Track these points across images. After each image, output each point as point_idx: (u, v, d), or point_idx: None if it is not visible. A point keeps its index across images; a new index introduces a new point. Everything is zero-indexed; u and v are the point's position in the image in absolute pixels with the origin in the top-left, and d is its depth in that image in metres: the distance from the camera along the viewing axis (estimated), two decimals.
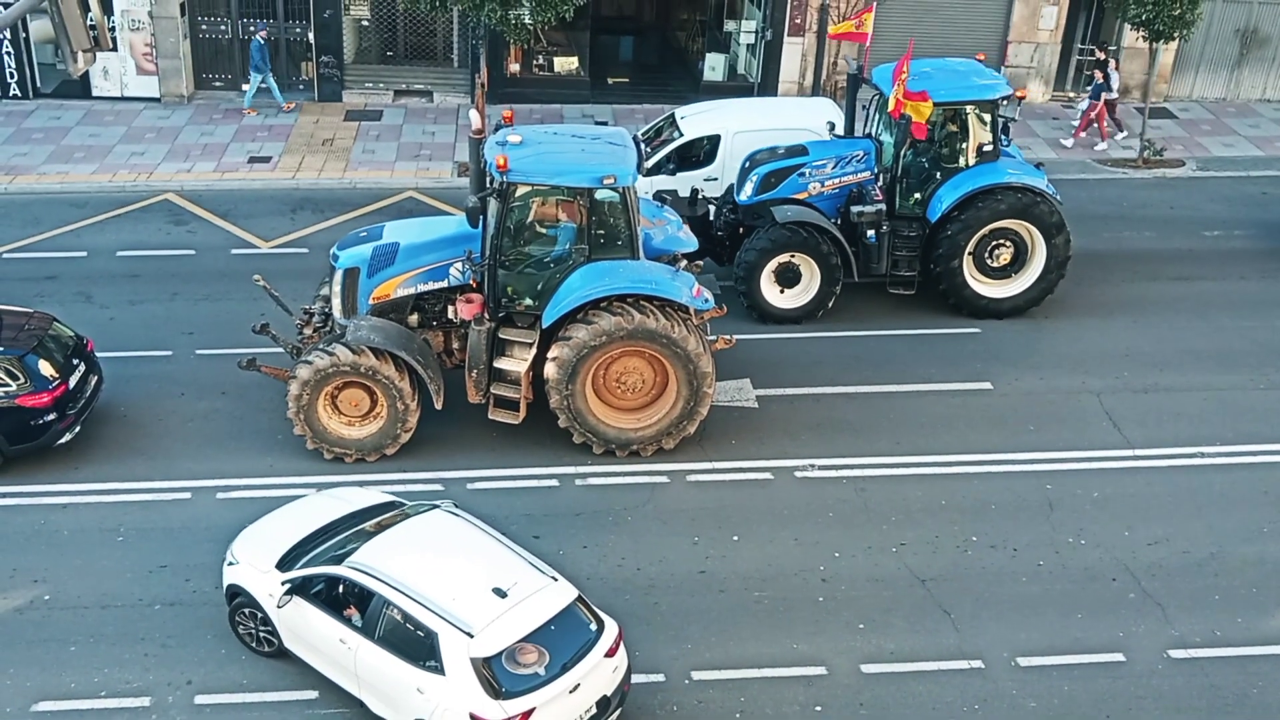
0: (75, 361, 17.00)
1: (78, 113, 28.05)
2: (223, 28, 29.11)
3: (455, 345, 17.57)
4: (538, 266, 16.81)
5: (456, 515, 13.78)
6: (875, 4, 23.40)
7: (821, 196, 20.55)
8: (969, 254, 20.47)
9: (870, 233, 20.29)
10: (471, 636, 11.98)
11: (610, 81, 30.85)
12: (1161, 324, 21.08)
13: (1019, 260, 20.70)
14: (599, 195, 16.39)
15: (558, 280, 16.61)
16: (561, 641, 12.27)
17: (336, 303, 17.28)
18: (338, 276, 17.33)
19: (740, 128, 22.57)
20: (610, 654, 12.56)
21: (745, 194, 20.68)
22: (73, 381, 16.76)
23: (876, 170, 20.61)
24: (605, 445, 17.18)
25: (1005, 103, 20.34)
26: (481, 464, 17.15)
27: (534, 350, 16.86)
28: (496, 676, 11.86)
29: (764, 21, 29.56)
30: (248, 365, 17.13)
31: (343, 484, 15.88)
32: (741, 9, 31.01)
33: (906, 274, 20.72)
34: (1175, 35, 25.52)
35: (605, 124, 27.65)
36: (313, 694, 13.43)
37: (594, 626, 12.66)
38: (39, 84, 28.67)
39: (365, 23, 29.82)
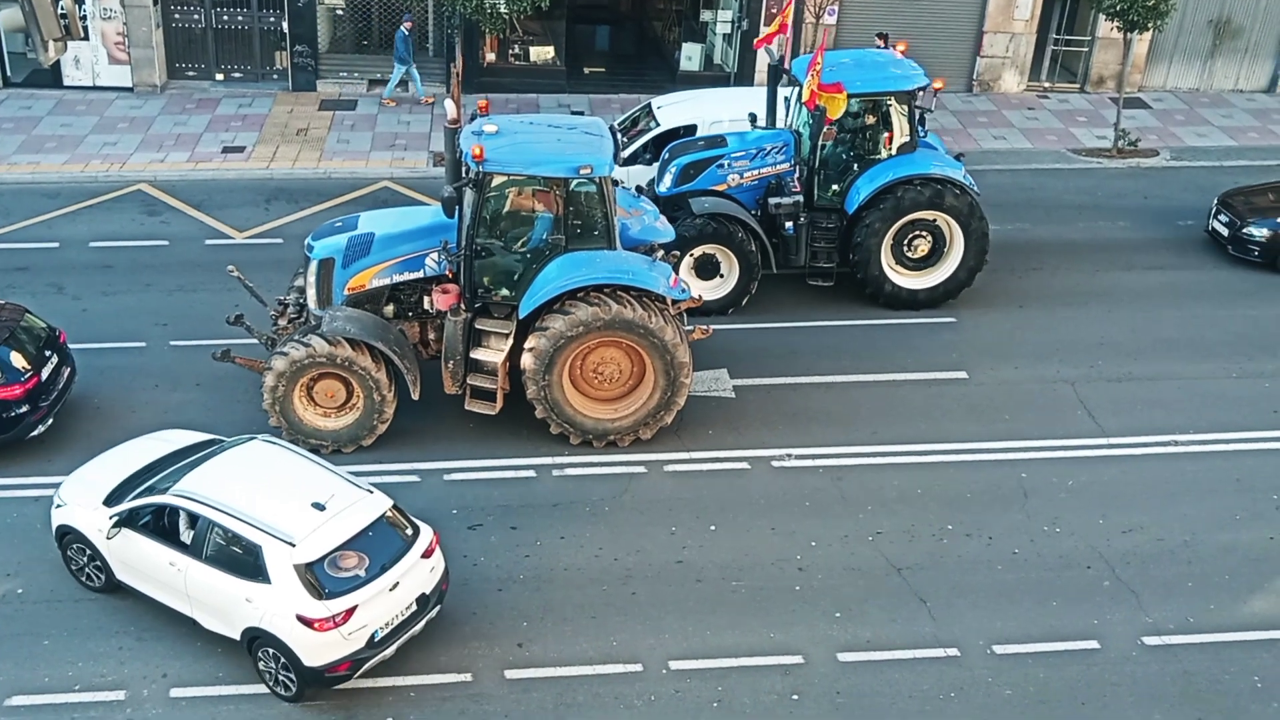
0: (47, 353, 16.87)
1: (49, 102, 27.81)
2: (196, 16, 28.89)
3: (431, 336, 17.52)
4: (514, 257, 16.77)
5: (275, 443, 14.55)
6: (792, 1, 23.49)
7: (740, 188, 20.51)
8: (887, 245, 20.46)
9: (788, 224, 20.26)
10: (293, 546, 12.89)
11: (586, 71, 30.79)
12: (1135, 313, 21.20)
13: (937, 251, 20.71)
14: (575, 185, 16.35)
15: (534, 270, 16.57)
16: (379, 546, 13.28)
17: (311, 294, 17.20)
18: (313, 267, 17.24)
19: (717, 117, 22.55)
20: (427, 555, 13.61)
21: (665, 186, 20.65)
22: (45, 373, 16.63)
23: (795, 162, 20.56)
24: (583, 436, 17.17)
25: (922, 94, 20.32)
26: (458, 455, 17.11)
27: (511, 341, 16.83)
28: (319, 580, 12.83)
29: (740, 11, 29.54)
30: (222, 357, 17.03)
31: None
32: None
33: (825, 265, 20.73)
34: (1149, 26, 25.64)
35: (581, 114, 27.58)
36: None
37: (410, 531, 13.67)
38: (9, 73, 28.43)
39: (340, 12, 29.66)
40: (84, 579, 14.51)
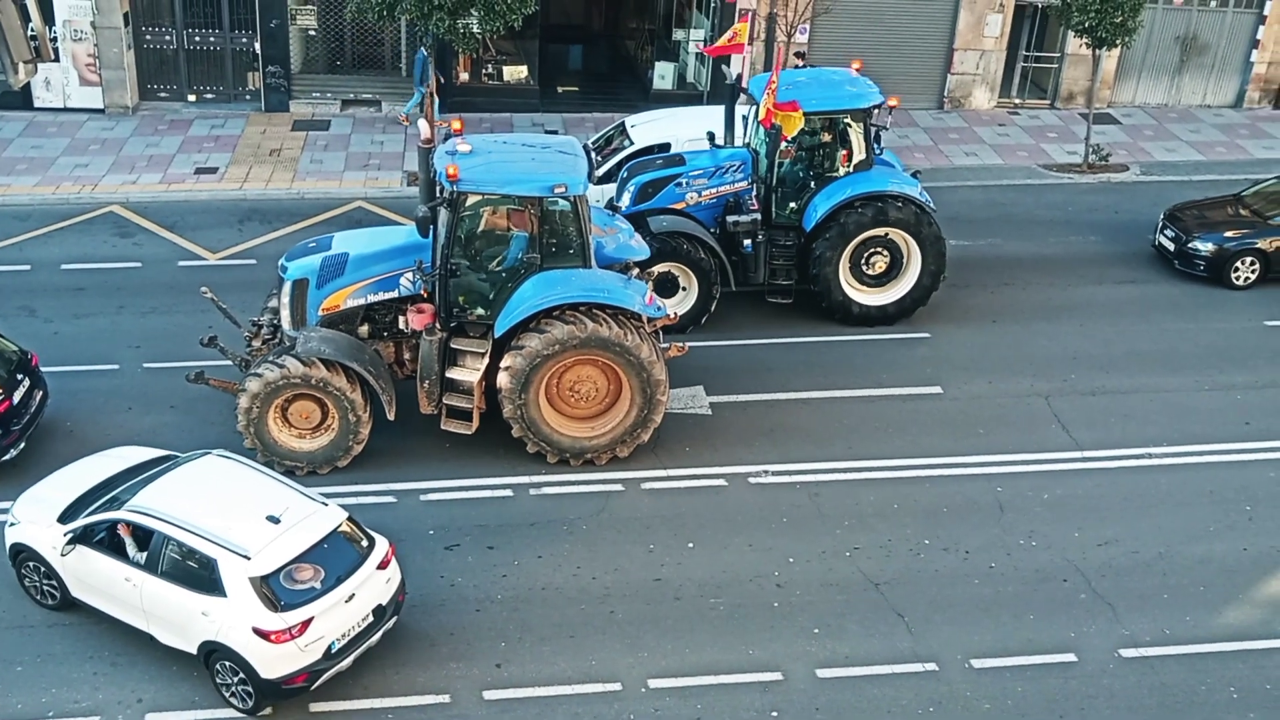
0: (19, 376, 16.75)
1: (19, 124, 27.66)
2: (167, 38, 28.80)
3: (407, 356, 17.47)
4: (489, 276, 16.76)
5: (229, 458, 14.54)
6: (750, 16, 23.57)
7: (699, 206, 20.55)
8: (845, 262, 20.54)
9: (747, 242, 20.31)
10: (248, 559, 12.95)
11: (560, 90, 30.85)
12: (1107, 327, 21.35)
13: (895, 268, 20.80)
14: (550, 204, 16.36)
15: (510, 289, 16.57)
16: (335, 558, 13.36)
17: (285, 314, 17.13)
18: (286, 288, 17.19)
19: (690, 135, 22.62)
20: (383, 566, 13.69)
21: (623, 204, 20.68)
22: (16, 397, 16.51)
23: (753, 180, 20.64)
24: (559, 454, 17.14)
25: (877, 111, 20.45)
26: (435, 475, 17.06)
27: (486, 360, 16.80)
28: (275, 592, 12.90)
29: (712, 30, 29.66)
30: (196, 379, 16.95)
31: None
32: (690, 18, 31.11)
33: (784, 283, 20.79)
34: (1117, 42, 25.89)
35: (555, 132, 27.63)
36: (266, 710, 13.30)
37: (365, 543, 13.75)
38: None
39: (312, 32, 29.62)
40: (38, 597, 14.51)
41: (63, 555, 13.87)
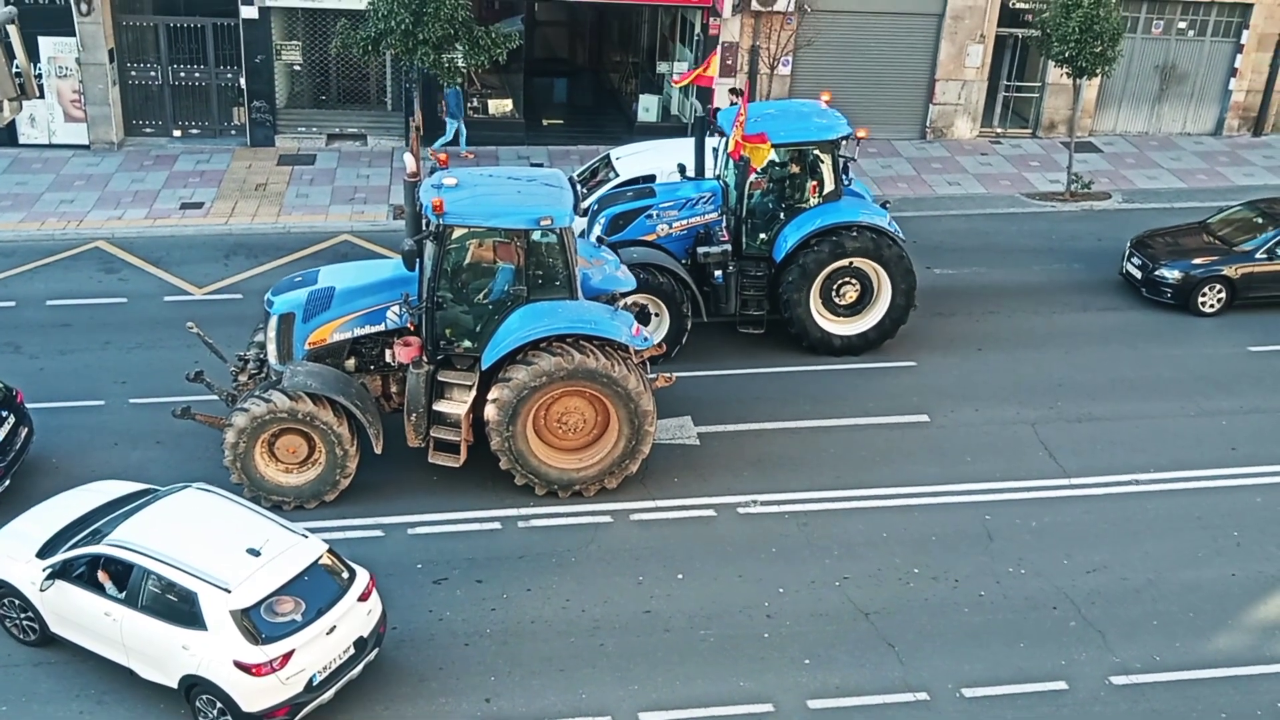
0: (4, 413, 16.68)
1: (4, 160, 27.64)
2: (153, 74, 28.87)
3: (394, 389, 17.44)
4: (476, 308, 16.76)
5: (208, 491, 14.53)
6: (719, 50, 23.85)
7: (670, 238, 20.61)
8: (816, 292, 20.60)
9: (717, 273, 20.37)
10: (229, 592, 12.94)
11: (545, 123, 30.98)
12: (1093, 354, 21.43)
13: (865, 298, 20.87)
14: (536, 236, 16.40)
15: (496, 322, 16.57)
16: (315, 590, 13.36)
17: (272, 349, 17.10)
18: (273, 322, 17.16)
19: (675, 167, 22.72)
20: (363, 598, 13.69)
21: (594, 236, 20.77)
22: (2, 434, 16.43)
23: (723, 211, 20.70)
24: (548, 486, 17.11)
25: (845, 143, 20.57)
26: (423, 508, 17.00)
27: (473, 392, 16.78)
28: (256, 625, 12.89)
29: (695, 63, 29.81)
30: (182, 414, 16.89)
31: None
32: (674, 51, 31.30)
33: (755, 313, 20.84)
34: (1097, 72, 26.10)
35: (541, 165, 27.71)
36: None
37: (346, 575, 13.75)
38: None
39: (297, 67, 29.72)
40: (17, 633, 14.42)
41: (41, 590, 13.80)
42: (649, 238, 20.53)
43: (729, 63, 29.33)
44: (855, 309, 20.88)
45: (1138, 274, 23.12)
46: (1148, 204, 27.54)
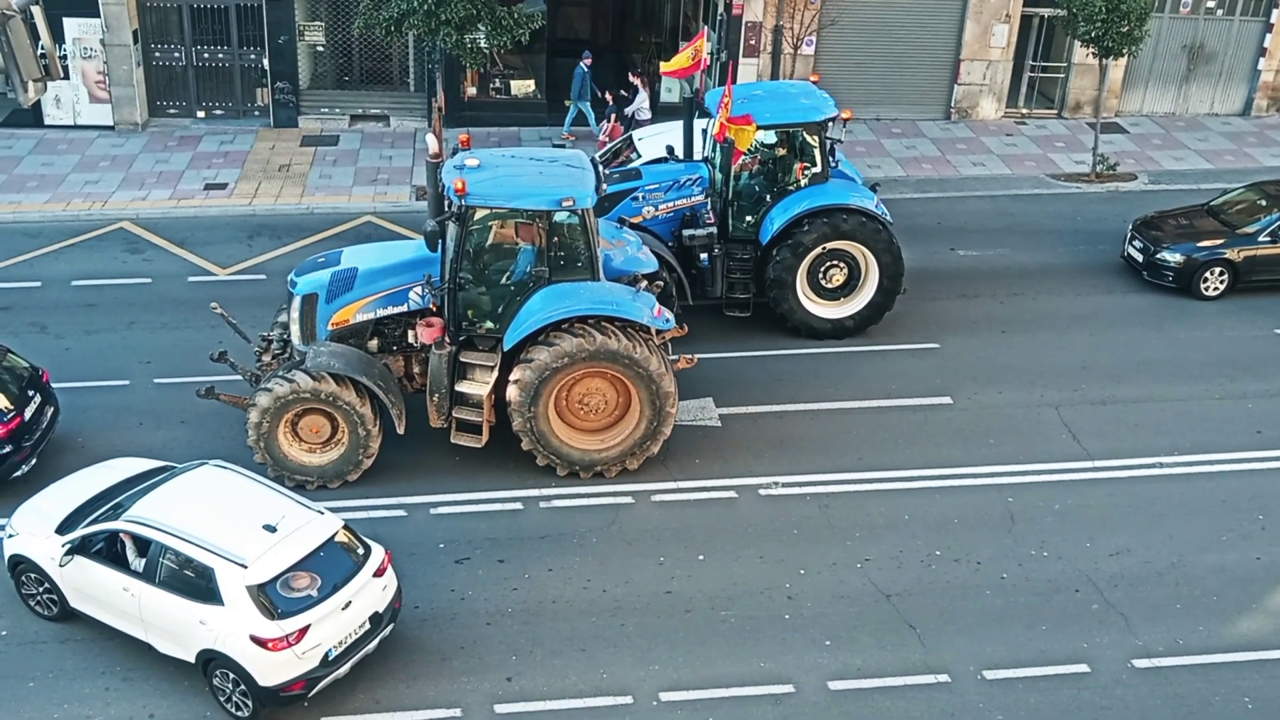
0: (31, 393, 16.80)
1: (30, 141, 27.79)
2: (177, 55, 28.96)
3: (416, 370, 17.49)
4: (498, 289, 16.78)
5: (225, 468, 14.63)
6: (705, 32, 23.61)
7: (656, 220, 20.51)
8: (803, 275, 20.48)
9: (703, 256, 20.25)
10: (246, 567, 13.01)
11: (567, 104, 30.87)
12: (1117, 336, 21.31)
13: (853, 281, 20.74)
14: (558, 217, 16.39)
15: (518, 303, 16.59)
16: (331, 566, 13.43)
17: (295, 329, 17.17)
18: (296, 303, 17.23)
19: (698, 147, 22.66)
20: (379, 574, 13.75)
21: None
22: (28, 413, 16.56)
23: (709, 193, 20.57)
24: (569, 467, 17.14)
25: (832, 124, 20.40)
26: (445, 488, 17.07)
27: (495, 373, 16.82)
28: (272, 600, 12.97)
29: (719, 43, 29.72)
30: (206, 394, 16.98)
31: None
32: (696, 31, 31.13)
33: (741, 296, 20.73)
34: (1124, 52, 25.88)
35: (564, 145, 27.67)
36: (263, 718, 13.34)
37: (361, 551, 13.80)
38: None
39: (320, 48, 29.75)
40: (37, 608, 14.59)
41: (61, 566, 13.97)
42: (635, 220, 20.43)
43: (752, 43, 29.21)
44: (842, 292, 20.78)
45: (1139, 257, 22.88)
46: (1174, 185, 27.32)
